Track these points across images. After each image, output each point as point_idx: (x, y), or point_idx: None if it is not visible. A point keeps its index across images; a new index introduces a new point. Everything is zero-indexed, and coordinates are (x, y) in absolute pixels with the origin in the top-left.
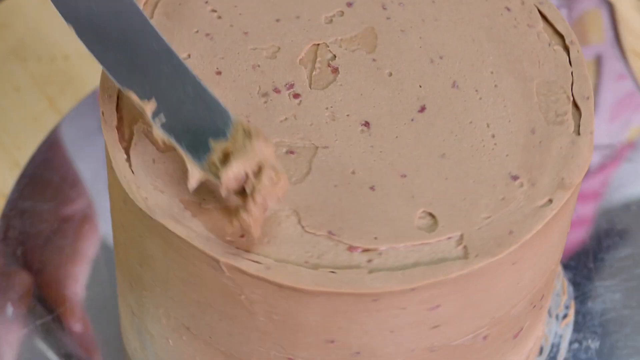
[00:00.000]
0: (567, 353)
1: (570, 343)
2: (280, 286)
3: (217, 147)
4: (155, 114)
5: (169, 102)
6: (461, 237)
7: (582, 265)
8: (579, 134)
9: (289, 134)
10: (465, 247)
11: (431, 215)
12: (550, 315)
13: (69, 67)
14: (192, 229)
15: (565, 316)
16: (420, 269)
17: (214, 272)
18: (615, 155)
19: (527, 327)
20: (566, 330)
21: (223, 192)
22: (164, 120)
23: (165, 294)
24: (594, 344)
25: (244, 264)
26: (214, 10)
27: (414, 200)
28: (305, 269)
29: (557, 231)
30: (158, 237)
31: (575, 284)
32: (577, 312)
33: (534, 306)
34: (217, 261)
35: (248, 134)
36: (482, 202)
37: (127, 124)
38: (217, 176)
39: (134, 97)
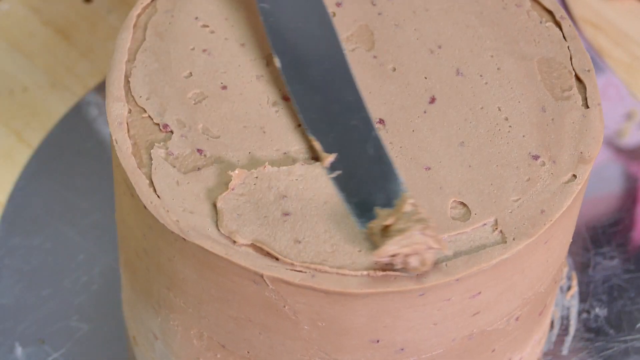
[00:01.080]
0: (577, 324)
1: (579, 313)
2: (326, 292)
3: (381, 216)
4: (331, 168)
5: (349, 159)
6: (495, 222)
7: (576, 234)
8: (587, 107)
9: (307, 140)
10: (501, 231)
11: (463, 204)
12: None
13: (29, 99)
14: (229, 246)
15: (569, 288)
16: (463, 259)
17: (256, 286)
18: None
19: (549, 303)
20: (572, 301)
21: (374, 259)
22: (336, 174)
23: (198, 315)
24: (602, 312)
25: (289, 275)
26: (205, 26)
27: (443, 191)
28: (349, 271)
29: (579, 205)
30: (192, 259)
31: (573, 253)
32: (579, 282)
33: (555, 282)
34: (261, 275)
35: (418, 218)
36: (509, 185)
37: (143, 150)
38: (375, 244)
39: (316, 145)
